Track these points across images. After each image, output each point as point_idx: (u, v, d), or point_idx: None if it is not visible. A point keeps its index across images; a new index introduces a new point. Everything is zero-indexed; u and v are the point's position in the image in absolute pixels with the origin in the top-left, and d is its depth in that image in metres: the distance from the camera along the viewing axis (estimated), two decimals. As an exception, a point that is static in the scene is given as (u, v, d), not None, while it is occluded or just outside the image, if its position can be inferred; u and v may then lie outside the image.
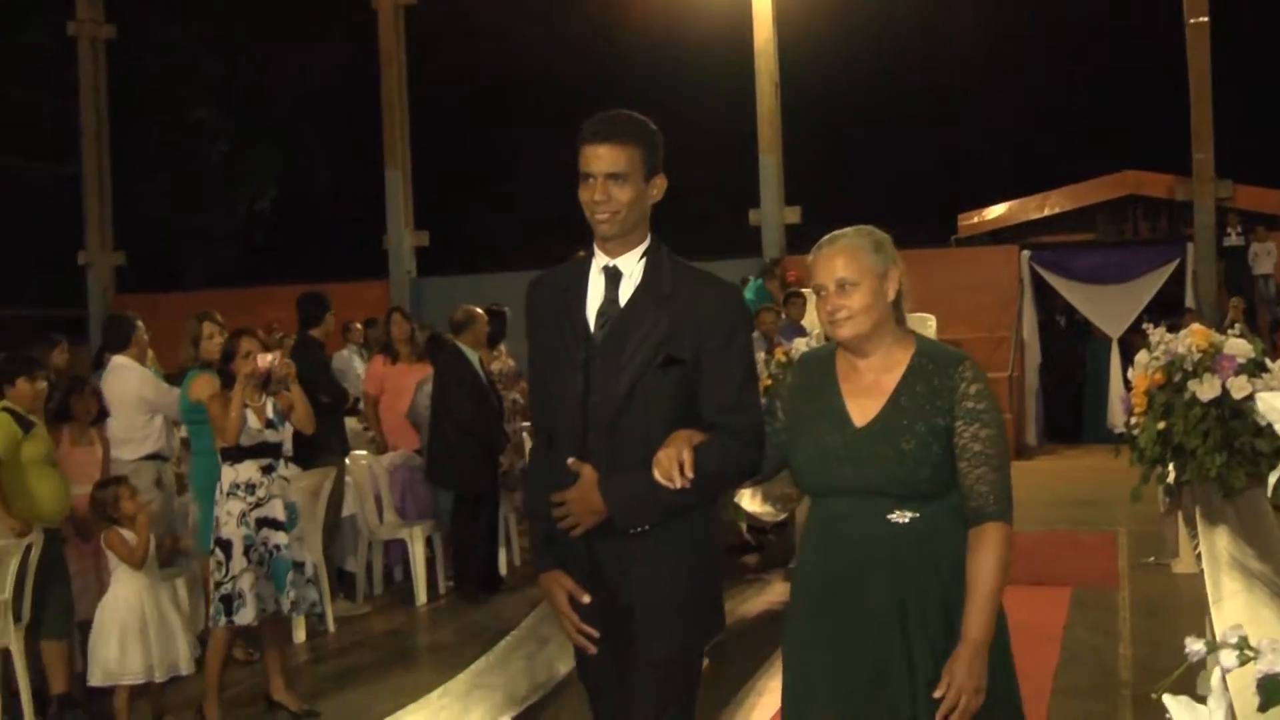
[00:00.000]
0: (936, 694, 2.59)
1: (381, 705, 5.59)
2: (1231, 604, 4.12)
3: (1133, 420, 5.78)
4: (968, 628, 2.62)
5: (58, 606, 5.73)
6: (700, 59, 18.29)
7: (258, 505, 5.52)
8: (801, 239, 14.90)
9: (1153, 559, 7.93)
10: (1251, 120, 17.41)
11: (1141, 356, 5.88)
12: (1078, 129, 20.63)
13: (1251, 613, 3.97)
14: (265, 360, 5.59)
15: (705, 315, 2.82)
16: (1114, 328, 14.76)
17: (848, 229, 2.83)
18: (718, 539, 3.01)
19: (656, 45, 18.68)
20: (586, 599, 2.83)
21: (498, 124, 21.46)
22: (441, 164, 18.90)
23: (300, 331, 8.01)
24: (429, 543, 8.22)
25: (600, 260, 2.88)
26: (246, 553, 5.43)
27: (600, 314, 2.86)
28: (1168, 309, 13.00)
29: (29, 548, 5.55)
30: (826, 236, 2.84)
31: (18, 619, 5.54)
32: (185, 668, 5.43)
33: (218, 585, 5.43)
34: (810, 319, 10.60)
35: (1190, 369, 5.43)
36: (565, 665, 5.38)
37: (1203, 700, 2.04)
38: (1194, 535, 5.48)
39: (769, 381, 6.48)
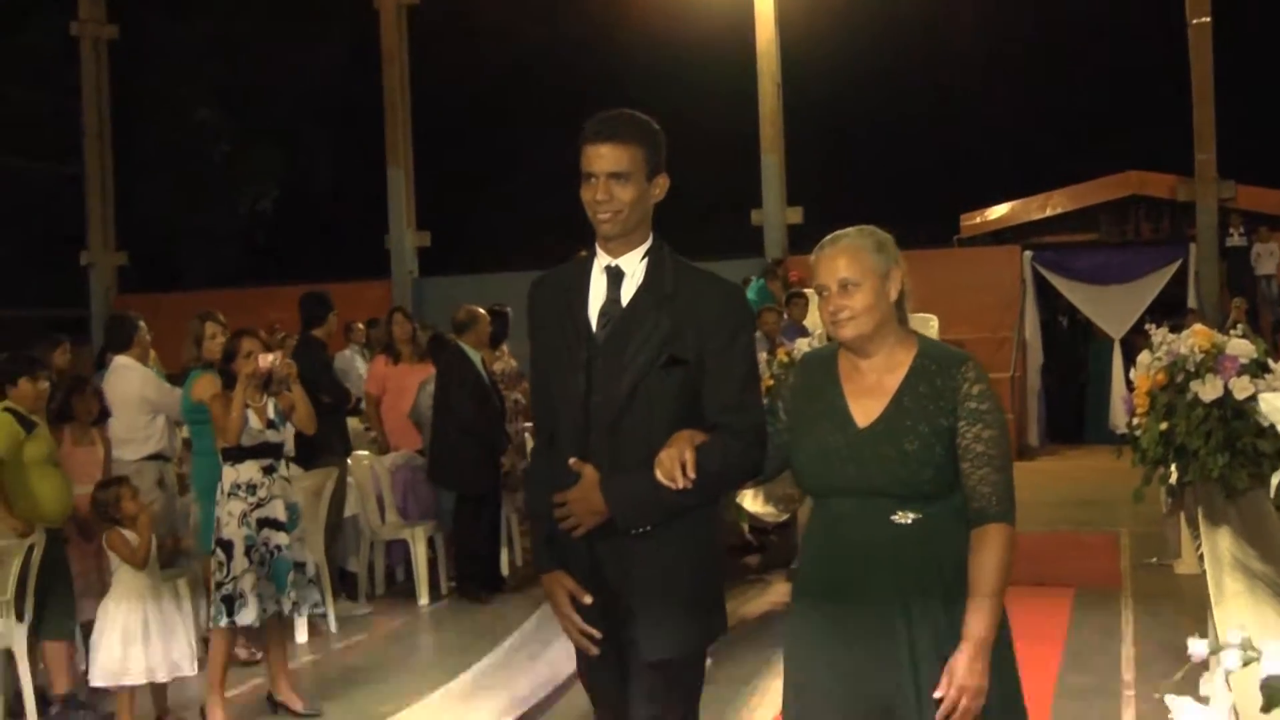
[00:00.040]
0: (937, 694, 2.59)
1: (384, 705, 5.60)
2: (1234, 605, 4.11)
3: (1135, 421, 5.77)
4: (969, 627, 2.61)
5: (60, 607, 5.74)
6: (702, 59, 18.27)
7: (259, 506, 5.52)
8: (803, 239, 14.88)
9: (1155, 560, 7.93)
10: (1254, 121, 17.35)
11: (1144, 357, 5.87)
12: (1080, 129, 20.58)
13: (1254, 613, 3.96)
14: (266, 360, 5.59)
15: (707, 315, 2.82)
16: (1116, 328, 14.74)
17: (850, 229, 2.83)
18: (719, 539, 3.01)
19: (658, 45, 18.65)
20: (588, 599, 2.82)
21: (500, 124, 21.44)
22: (443, 164, 18.87)
23: (302, 331, 8.02)
24: (431, 543, 8.22)
25: (602, 260, 2.88)
26: (247, 553, 5.44)
27: (602, 314, 2.85)
28: (1170, 309, 12.94)
29: (31, 548, 5.56)
30: (828, 236, 2.84)
31: (20, 619, 5.54)
32: (188, 668, 5.42)
33: (219, 585, 5.44)
34: (812, 319, 10.57)
35: (1192, 370, 5.42)
36: (567, 666, 5.37)
37: (1205, 701, 2.04)
38: (1196, 536, 5.48)
39: (771, 382, 6.46)
